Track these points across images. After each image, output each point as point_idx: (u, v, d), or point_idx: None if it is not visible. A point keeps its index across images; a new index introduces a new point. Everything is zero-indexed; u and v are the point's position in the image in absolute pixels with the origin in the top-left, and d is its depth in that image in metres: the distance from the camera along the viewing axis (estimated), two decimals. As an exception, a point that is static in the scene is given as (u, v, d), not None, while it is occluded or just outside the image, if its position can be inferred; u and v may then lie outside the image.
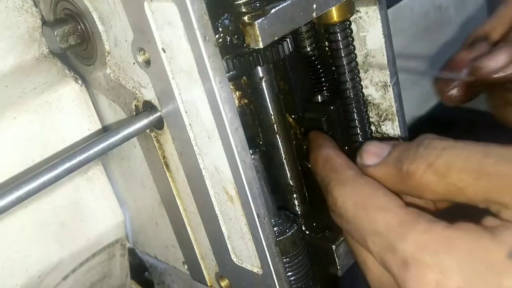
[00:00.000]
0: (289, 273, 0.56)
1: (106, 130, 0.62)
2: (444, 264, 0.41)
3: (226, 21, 0.48)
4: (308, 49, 0.63)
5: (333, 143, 0.59)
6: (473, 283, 0.40)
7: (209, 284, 0.63)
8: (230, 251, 0.56)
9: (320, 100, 0.66)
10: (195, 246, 0.61)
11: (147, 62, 0.49)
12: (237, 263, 0.56)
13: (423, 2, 1.06)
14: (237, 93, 0.61)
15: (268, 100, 0.58)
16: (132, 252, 0.78)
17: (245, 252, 0.54)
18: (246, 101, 0.62)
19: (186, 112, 0.50)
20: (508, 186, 0.42)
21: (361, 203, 0.49)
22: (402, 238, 0.44)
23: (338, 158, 0.55)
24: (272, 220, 0.56)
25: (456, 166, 0.44)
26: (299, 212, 0.63)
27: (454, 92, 0.55)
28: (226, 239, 0.55)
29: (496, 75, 0.52)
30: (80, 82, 0.60)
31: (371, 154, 0.52)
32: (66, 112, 0.60)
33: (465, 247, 0.41)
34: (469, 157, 0.44)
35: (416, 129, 0.55)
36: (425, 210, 0.46)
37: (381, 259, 0.46)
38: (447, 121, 1.13)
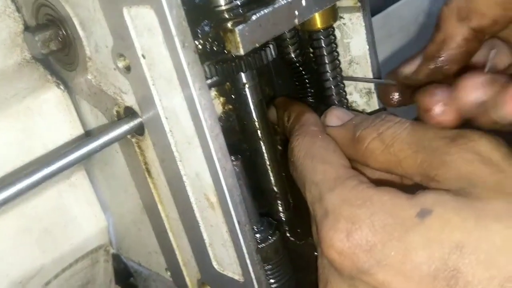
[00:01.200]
0: (271, 280, 0.56)
1: (88, 136, 0.62)
2: (358, 216, 0.44)
3: (206, 28, 0.47)
4: (293, 56, 0.63)
5: (304, 104, 0.62)
6: (380, 235, 0.43)
7: (191, 291, 0.63)
8: (211, 258, 0.56)
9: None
10: (177, 253, 0.61)
11: (128, 68, 0.49)
12: (218, 270, 0.56)
13: (413, 8, 1.07)
14: (221, 99, 0.61)
15: (251, 106, 0.58)
16: (117, 257, 0.77)
17: (227, 259, 0.54)
18: (230, 107, 0.62)
19: (166, 118, 0.49)
20: (438, 160, 0.45)
21: (311, 154, 0.52)
22: (331, 190, 0.48)
23: (308, 114, 0.58)
24: (254, 227, 0.56)
25: (400, 138, 0.48)
26: (283, 219, 0.63)
27: (395, 96, 0.59)
28: (207, 246, 0.55)
29: (409, 80, 0.56)
30: (62, 87, 0.60)
31: (334, 116, 0.56)
32: (48, 118, 0.59)
33: (380, 203, 0.44)
34: (412, 131, 0.48)
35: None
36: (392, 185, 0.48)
37: (311, 208, 0.50)
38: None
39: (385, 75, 0.60)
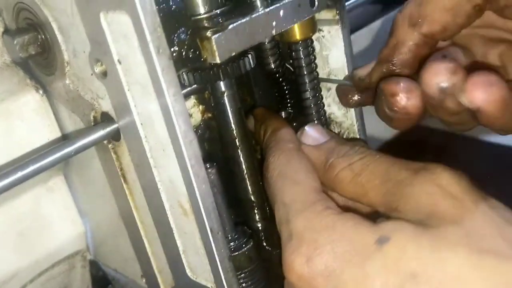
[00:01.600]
0: (244, 289, 0.56)
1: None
2: (319, 241, 0.45)
3: (182, 35, 0.48)
4: (272, 66, 0.63)
5: (282, 118, 0.63)
6: (340, 261, 0.44)
7: (166, 298, 0.62)
8: (185, 265, 0.56)
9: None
10: (152, 260, 0.61)
11: (104, 74, 0.49)
12: (192, 278, 0.56)
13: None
14: (201, 107, 0.61)
15: (230, 115, 0.58)
16: (95, 264, 0.77)
17: (200, 267, 0.54)
18: (209, 115, 0.62)
19: (141, 124, 0.50)
20: (400, 191, 0.46)
21: (283, 173, 0.53)
22: (297, 213, 0.48)
23: (284, 130, 0.58)
24: (229, 236, 0.56)
25: (369, 168, 0.50)
26: (259, 228, 0.63)
27: (352, 100, 0.61)
28: (181, 253, 0.55)
29: (363, 82, 0.59)
30: (41, 91, 0.60)
31: (310, 137, 0.57)
32: (27, 121, 0.60)
33: (343, 230, 0.45)
34: (380, 163, 0.49)
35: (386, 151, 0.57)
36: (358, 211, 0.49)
37: (279, 229, 0.50)
38: (416, 144, 1.14)
39: (344, 77, 0.62)
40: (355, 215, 0.46)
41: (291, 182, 0.51)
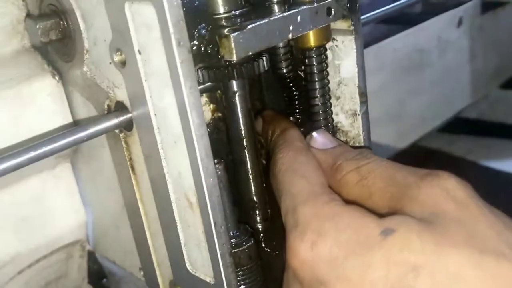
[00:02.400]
0: (242, 286, 0.57)
1: (77, 128, 0.63)
2: (324, 229, 0.46)
3: (203, 31, 0.49)
4: (284, 71, 0.64)
5: (290, 120, 0.65)
6: (343, 249, 0.45)
7: (162, 292, 0.63)
8: (185, 258, 0.56)
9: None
10: (152, 252, 0.61)
11: (123, 63, 0.51)
12: (191, 271, 0.56)
13: (406, 43, 1.10)
14: (211, 105, 0.62)
15: (239, 115, 0.59)
16: (92, 257, 0.77)
17: (200, 261, 0.55)
18: (219, 114, 0.63)
19: (155, 115, 0.51)
20: (406, 194, 0.47)
21: (292, 168, 0.54)
22: (304, 203, 0.50)
23: (293, 131, 0.60)
24: (230, 232, 0.57)
25: (376, 172, 0.51)
26: (260, 229, 0.64)
27: None
28: (182, 246, 0.56)
29: None
30: (57, 77, 0.61)
31: (319, 142, 0.58)
32: (40, 106, 0.60)
33: (348, 219, 0.46)
34: (387, 168, 0.51)
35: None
36: None
37: (284, 219, 0.51)
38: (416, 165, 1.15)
39: None
40: (360, 207, 0.48)
41: (298, 175, 0.53)
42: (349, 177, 0.52)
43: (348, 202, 0.53)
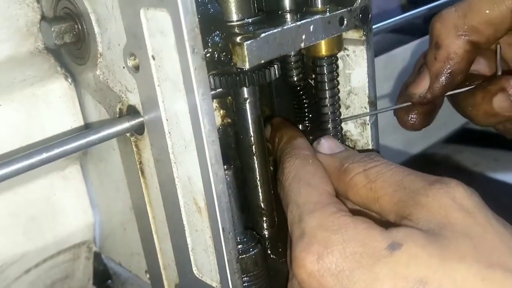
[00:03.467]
0: (247, 292, 0.57)
1: (88, 131, 0.63)
2: (331, 241, 0.46)
3: (217, 38, 0.50)
4: (295, 79, 0.65)
5: (298, 129, 0.65)
6: (350, 262, 0.45)
7: (168, 296, 0.63)
8: (192, 263, 0.57)
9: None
10: (159, 256, 0.62)
11: (136, 68, 0.51)
12: (197, 276, 0.57)
13: (416, 53, 1.10)
14: (221, 111, 0.63)
15: (249, 121, 0.60)
16: (97, 258, 0.78)
17: (207, 266, 0.55)
18: (229, 120, 0.64)
19: (167, 120, 0.51)
20: (413, 200, 0.47)
21: (299, 176, 0.54)
22: (310, 213, 0.49)
23: (300, 139, 0.60)
24: (238, 238, 0.57)
25: (384, 176, 0.51)
26: (266, 235, 0.64)
27: (413, 120, 0.64)
28: (190, 250, 0.56)
29: (426, 99, 0.62)
30: (70, 80, 0.61)
31: (326, 147, 0.59)
32: (52, 107, 0.61)
33: (354, 232, 0.46)
34: (395, 172, 0.51)
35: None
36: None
37: (290, 228, 0.51)
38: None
39: (397, 101, 0.65)
40: (367, 219, 0.48)
41: (305, 184, 0.53)
42: (356, 179, 0.52)
43: (355, 205, 0.54)
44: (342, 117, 0.65)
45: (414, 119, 0.64)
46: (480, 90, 0.61)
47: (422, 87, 0.62)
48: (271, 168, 0.67)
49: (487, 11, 0.58)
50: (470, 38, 0.59)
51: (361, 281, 0.44)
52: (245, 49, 0.50)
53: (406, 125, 0.65)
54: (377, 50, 1.04)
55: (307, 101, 0.67)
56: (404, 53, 1.08)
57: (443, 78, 0.60)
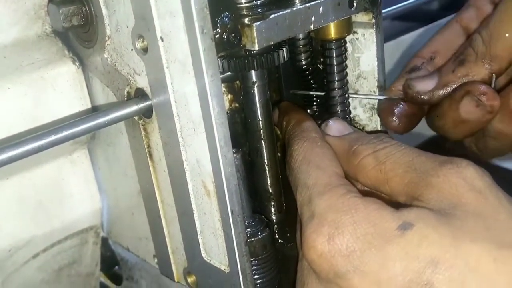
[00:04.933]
0: (256, 276, 0.57)
1: (96, 114, 0.63)
2: (342, 222, 0.46)
3: (226, 19, 0.49)
4: (303, 63, 0.65)
5: (306, 112, 0.65)
6: (361, 242, 0.45)
7: (176, 280, 0.63)
8: (201, 246, 0.57)
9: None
10: (167, 240, 0.62)
11: (145, 50, 0.51)
12: (206, 259, 0.57)
13: (423, 40, 1.09)
14: (229, 96, 0.62)
15: (258, 105, 0.59)
16: (105, 244, 0.78)
17: (215, 249, 0.55)
18: (237, 105, 0.63)
19: (175, 102, 0.51)
20: (424, 181, 0.47)
21: (308, 158, 0.54)
22: (320, 195, 0.49)
23: (308, 122, 0.60)
24: (246, 221, 0.57)
25: (393, 157, 0.51)
26: (274, 220, 0.64)
27: (396, 122, 0.63)
28: (198, 234, 0.56)
29: (422, 98, 0.61)
30: (77, 63, 0.61)
31: (335, 129, 0.58)
32: (60, 91, 0.61)
33: (365, 213, 0.46)
34: (405, 153, 0.51)
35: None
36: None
37: (300, 210, 0.51)
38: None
39: (386, 92, 0.64)
40: (377, 200, 0.47)
41: (314, 166, 0.52)
42: (366, 161, 0.52)
43: (365, 187, 0.53)
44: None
45: (397, 122, 0.63)
46: (446, 97, 0.60)
47: (425, 86, 0.61)
48: (279, 154, 0.66)
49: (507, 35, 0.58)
50: (494, 68, 0.59)
51: (372, 261, 0.44)
52: (254, 30, 0.49)
53: (389, 126, 0.64)
54: (385, 36, 1.04)
55: (315, 85, 0.66)
56: (410, 39, 1.07)
57: (449, 89, 0.60)
